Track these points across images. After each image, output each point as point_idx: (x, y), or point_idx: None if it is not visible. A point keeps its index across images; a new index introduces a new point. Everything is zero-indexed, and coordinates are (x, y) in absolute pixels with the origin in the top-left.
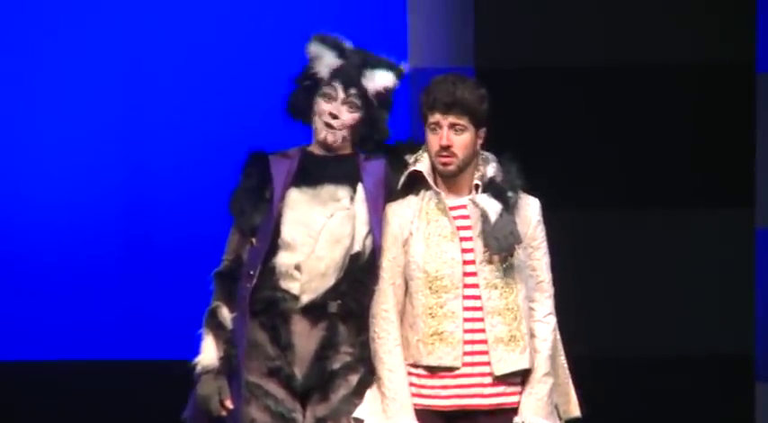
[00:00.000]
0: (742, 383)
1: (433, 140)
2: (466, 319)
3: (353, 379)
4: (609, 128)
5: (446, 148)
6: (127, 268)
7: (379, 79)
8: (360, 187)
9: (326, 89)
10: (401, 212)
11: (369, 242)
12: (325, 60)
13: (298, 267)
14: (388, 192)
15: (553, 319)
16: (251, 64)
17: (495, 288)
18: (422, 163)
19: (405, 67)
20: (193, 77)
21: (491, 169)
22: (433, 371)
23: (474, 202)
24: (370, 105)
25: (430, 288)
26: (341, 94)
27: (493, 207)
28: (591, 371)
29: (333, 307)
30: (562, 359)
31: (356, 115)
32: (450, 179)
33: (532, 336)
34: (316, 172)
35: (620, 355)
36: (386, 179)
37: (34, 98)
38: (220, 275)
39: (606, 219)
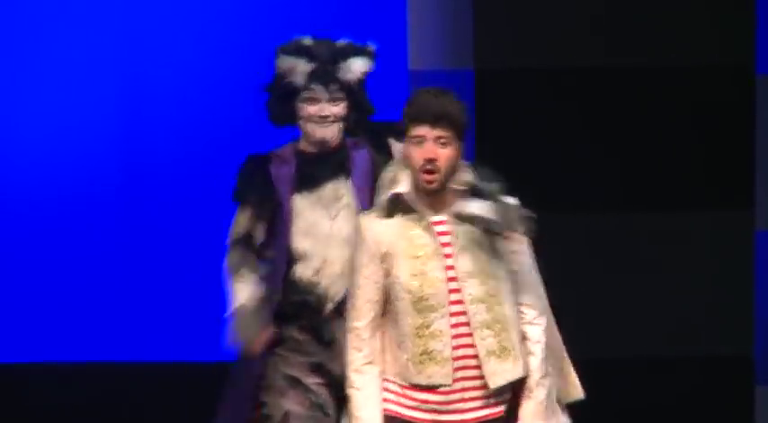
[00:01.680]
0: (742, 386)
1: (417, 154)
2: (453, 337)
3: None
4: (608, 130)
5: (431, 161)
6: (124, 271)
7: (355, 67)
8: (348, 183)
9: (307, 94)
10: (376, 228)
11: None
12: (299, 69)
13: (316, 275)
14: (375, 179)
15: (544, 320)
16: (249, 64)
17: (482, 302)
18: (402, 184)
19: (371, 46)
20: (191, 78)
21: (469, 176)
22: (422, 388)
23: (455, 216)
24: (352, 92)
25: (416, 308)
26: (323, 95)
27: (481, 205)
28: (590, 372)
29: None
30: (560, 343)
31: (343, 104)
32: (433, 194)
33: (525, 339)
34: (314, 173)
35: (620, 357)
36: (372, 168)
37: (34, 99)
38: (234, 244)
39: (605, 220)
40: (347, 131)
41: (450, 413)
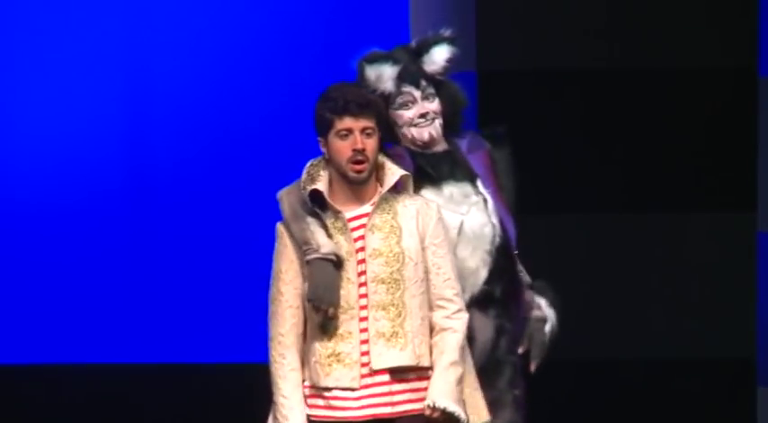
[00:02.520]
0: (743, 388)
1: (344, 147)
2: (362, 330)
3: (510, 369)
4: (611, 132)
5: (360, 151)
6: (124, 273)
7: (438, 56)
8: (477, 182)
9: (401, 99)
10: None
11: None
12: (386, 75)
13: None
14: (497, 176)
15: (465, 316)
16: (250, 63)
17: (387, 304)
18: (321, 182)
19: (446, 32)
20: (193, 77)
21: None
22: (331, 390)
23: (373, 213)
24: (443, 84)
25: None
26: (417, 94)
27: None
28: (593, 374)
29: (497, 292)
30: (470, 366)
31: (437, 101)
32: (357, 188)
33: (443, 329)
34: (433, 170)
35: (621, 359)
36: (492, 165)
37: (38, 98)
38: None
39: (607, 222)
40: (446, 128)
41: (382, 406)
